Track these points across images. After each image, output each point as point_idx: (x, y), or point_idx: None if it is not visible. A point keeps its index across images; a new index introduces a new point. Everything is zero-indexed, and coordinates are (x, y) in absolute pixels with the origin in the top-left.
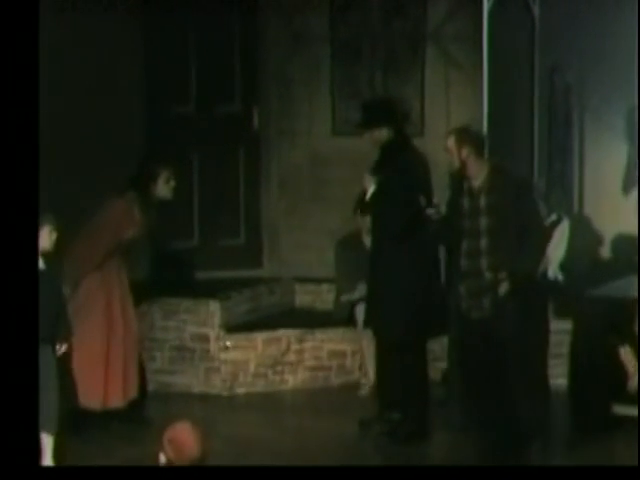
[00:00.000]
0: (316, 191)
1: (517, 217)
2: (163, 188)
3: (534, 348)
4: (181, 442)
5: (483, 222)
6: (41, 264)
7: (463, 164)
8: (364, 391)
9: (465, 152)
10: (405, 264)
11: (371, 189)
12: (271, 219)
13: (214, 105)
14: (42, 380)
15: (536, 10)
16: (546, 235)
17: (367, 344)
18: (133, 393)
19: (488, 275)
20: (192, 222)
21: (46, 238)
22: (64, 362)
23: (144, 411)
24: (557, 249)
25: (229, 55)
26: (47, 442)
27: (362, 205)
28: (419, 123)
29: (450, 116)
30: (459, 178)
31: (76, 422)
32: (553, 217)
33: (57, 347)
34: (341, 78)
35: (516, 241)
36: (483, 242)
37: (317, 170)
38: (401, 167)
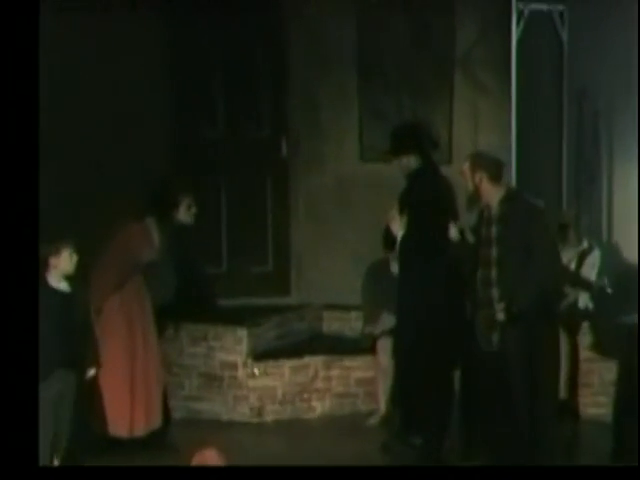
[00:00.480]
0: (344, 217)
1: (525, 246)
2: (185, 215)
3: (544, 377)
4: None
5: (494, 251)
6: (65, 287)
7: (477, 189)
8: (374, 420)
9: (478, 177)
10: (433, 291)
11: (400, 233)
12: (299, 245)
13: (242, 131)
14: (58, 405)
15: (564, 35)
16: (555, 264)
17: (382, 373)
18: (156, 422)
19: (497, 306)
20: (220, 248)
21: (67, 261)
22: (91, 388)
23: (167, 438)
24: (588, 278)
25: (257, 80)
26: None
27: (389, 243)
28: (447, 150)
29: (478, 143)
30: (478, 205)
31: (100, 449)
32: (584, 245)
33: (87, 371)
34: (369, 104)
35: (522, 269)
36: (494, 272)
37: (345, 196)
38: (429, 195)
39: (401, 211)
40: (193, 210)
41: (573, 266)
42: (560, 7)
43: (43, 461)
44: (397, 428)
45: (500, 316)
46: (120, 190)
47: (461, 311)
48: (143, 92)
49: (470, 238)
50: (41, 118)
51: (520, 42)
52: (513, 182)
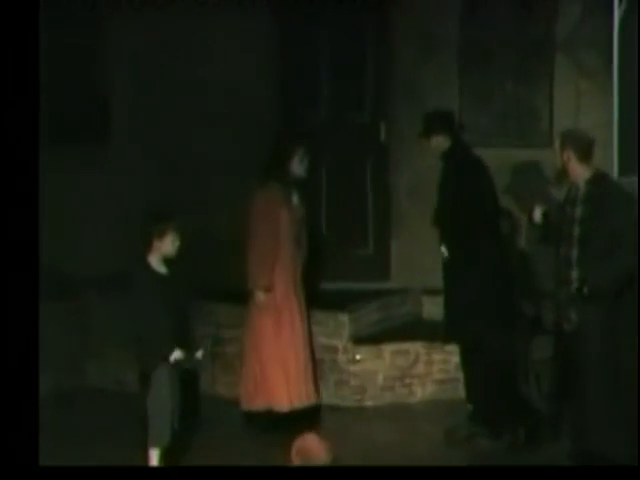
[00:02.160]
0: None
1: (609, 229)
2: (298, 167)
3: (624, 362)
4: (309, 453)
5: (577, 231)
6: (163, 270)
7: (564, 167)
8: None
9: (566, 155)
10: (477, 270)
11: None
12: (399, 230)
13: (344, 115)
14: (158, 394)
15: None
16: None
17: None
18: (311, 398)
19: (576, 284)
20: (320, 232)
21: (169, 245)
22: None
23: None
24: None
25: (360, 65)
26: (153, 456)
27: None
28: (548, 132)
29: (580, 125)
30: (567, 184)
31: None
32: None
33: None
34: (471, 86)
35: (603, 252)
36: (575, 252)
37: None
38: (462, 173)
39: (440, 194)
40: (306, 162)
41: None
42: None
43: (158, 441)
44: (468, 417)
45: (575, 296)
46: (224, 174)
47: (513, 295)
48: (248, 76)
49: (555, 219)
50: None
51: (623, 22)
52: (615, 162)
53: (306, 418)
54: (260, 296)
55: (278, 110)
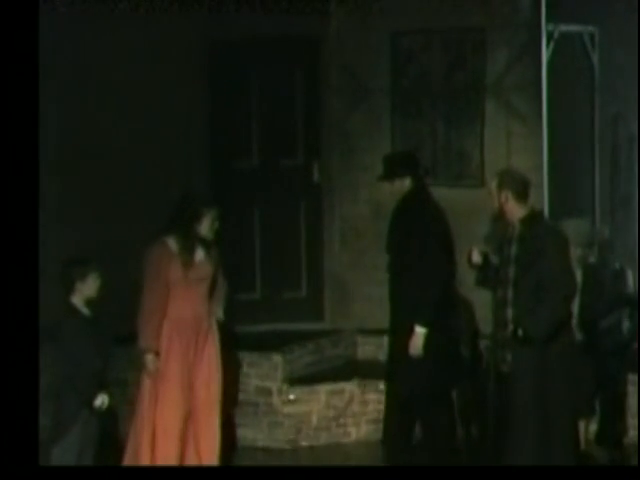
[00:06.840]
0: (376, 242)
1: (539, 268)
2: (207, 230)
3: (559, 402)
4: None
5: (511, 271)
6: (86, 311)
7: (501, 207)
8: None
9: (504, 195)
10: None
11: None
12: (332, 271)
13: (276, 159)
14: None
15: (595, 57)
16: (572, 291)
17: None
18: (211, 461)
19: (511, 327)
20: (254, 275)
21: (91, 286)
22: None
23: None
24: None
25: (291, 108)
26: None
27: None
28: (479, 174)
29: (510, 166)
30: (504, 224)
31: None
32: (617, 266)
33: (149, 358)
34: (402, 131)
35: (537, 293)
36: (510, 292)
37: (378, 221)
38: (420, 216)
39: (391, 231)
40: (216, 225)
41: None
42: (590, 29)
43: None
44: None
45: (509, 337)
46: (154, 221)
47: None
48: (178, 124)
49: (495, 260)
50: (74, 142)
51: (550, 64)
52: (545, 205)
53: None
54: (148, 360)
55: (210, 158)
